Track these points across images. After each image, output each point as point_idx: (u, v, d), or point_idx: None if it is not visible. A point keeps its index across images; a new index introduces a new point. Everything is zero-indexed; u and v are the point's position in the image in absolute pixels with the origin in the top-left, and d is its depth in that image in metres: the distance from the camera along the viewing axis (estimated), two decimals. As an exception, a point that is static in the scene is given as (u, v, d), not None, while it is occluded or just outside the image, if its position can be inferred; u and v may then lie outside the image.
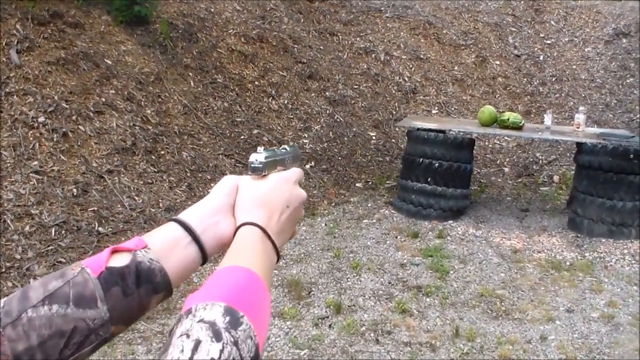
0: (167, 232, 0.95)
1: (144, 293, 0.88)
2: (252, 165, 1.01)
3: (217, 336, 0.68)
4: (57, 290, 0.82)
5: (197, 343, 0.66)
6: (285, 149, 1.11)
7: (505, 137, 9.49)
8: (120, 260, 0.87)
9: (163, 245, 0.92)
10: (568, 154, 9.09)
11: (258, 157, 1.01)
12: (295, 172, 1.07)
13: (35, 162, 5.82)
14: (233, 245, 0.91)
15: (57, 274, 0.84)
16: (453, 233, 6.73)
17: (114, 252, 0.89)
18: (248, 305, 0.75)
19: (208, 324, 0.69)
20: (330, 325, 4.71)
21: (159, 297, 0.90)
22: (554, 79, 11.05)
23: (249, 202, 0.99)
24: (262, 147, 1.04)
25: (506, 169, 9.16)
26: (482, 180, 8.73)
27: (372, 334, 4.59)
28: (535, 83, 10.95)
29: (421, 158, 7.05)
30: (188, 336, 0.67)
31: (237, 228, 0.95)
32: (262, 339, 0.76)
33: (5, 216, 5.28)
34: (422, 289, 5.38)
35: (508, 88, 10.79)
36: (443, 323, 4.80)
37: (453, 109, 10.21)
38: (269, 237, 0.94)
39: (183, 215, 0.98)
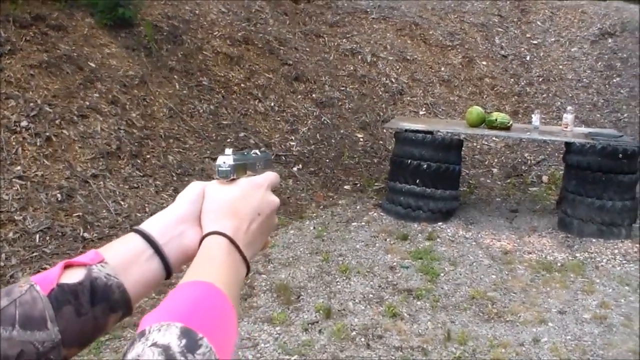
0: (127, 244, 0.87)
1: (100, 312, 0.80)
2: (220, 168, 0.92)
3: None
4: (2, 310, 0.73)
5: None
6: (256, 153, 1.01)
7: (494, 138, 9.46)
8: (74, 276, 0.79)
9: (122, 259, 0.84)
10: (557, 154, 9.08)
11: (226, 159, 0.92)
12: (267, 177, 0.97)
13: (19, 167, 5.72)
14: (196, 257, 0.83)
15: (3, 291, 0.76)
16: (443, 235, 6.67)
17: (67, 267, 0.80)
18: (209, 325, 0.67)
19: (161, 349, 0.61)
20: (320, 330, 4.63)
21: (116, 316, 0.82)
22: (540, 79, 11.04)
23: (216, 210, 0.90)
24: (231, 149, 0.95)
25: (495, 170, 9.12)
26: (471, 181, 8.69)
27: (362, 339, 4.52)
28: (523, 83, 10.94)
29: (409, 159, 7.00)
30: None
31: (202, 238, 0.86)
32: (226, 358, 0.67)
33: (-13, 223, 5.19)
34: (412, 292, 5.32)
35: (495, 88, 10.77)
36: (434, 326, 4.74)
37: (440, 109, 10.17)
38: (237, 247, 0.86)
39: (145, 225, 0.90)
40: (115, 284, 0.82)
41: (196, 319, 0.67)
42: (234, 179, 0.93)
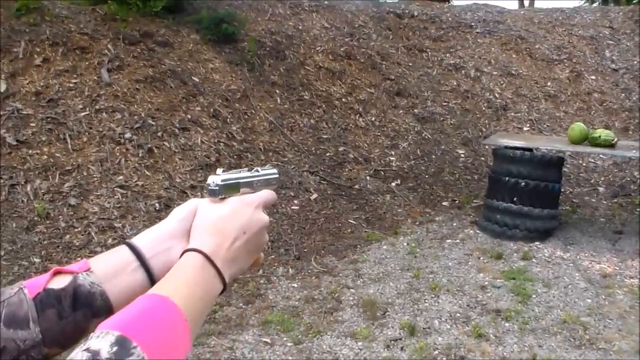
0: (116, 255, 0.93)
1: (81, 317, 0.86)
2: (209, 187, 0.96)
3: None
4: None
5: None
6: (258, 170, 1.04)
7: (601, 155, 9.12)
8: (60, 282, 0.86)
9: (107, 269, 0.90)
10: (670, 174, 8.67)
11: (215, 179, 0.96)
12: (259, 196, 1.00)
13: (121, 177, 6.02)
14: (169, 271, 0.87)
15: None
16: (539, 255, 6.49)
17: (57, 273, 0.87)
18: (147, 336, 0.71)
19: (91, 354, 0.66)
20: (402, 348, 4.61)
21: (98, 322, 0.83)
22: (655, 94, 10.56)
23: (201, 228, 0.94)
24: (222, 169, 0.99)
25: (601, 189, 8.79)
26: (574, 200, 8.41)
27: (444, 358, 4.46)
28: (634, 98, 10.49)
29: (507, 177, 6.86)
30: None
31: (182, 254, 0.90)
32: None
33: (90, 228, 5.47)
34: (501, 312, 5.20)
35: (604, 104, 10.38)
36: (520, 350, 4.62)
37: (545, 126, 9.91)
38: (214, 265, 0.89)
39: (136, 239, 0.95)
40: (99, 292, 0.88)
41: (135, 328, 0.71)
42: (224, 198, 0.96)
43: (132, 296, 0.87)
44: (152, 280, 0.93)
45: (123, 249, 0.94)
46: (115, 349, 0.67)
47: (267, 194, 1.02)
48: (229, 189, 0.97)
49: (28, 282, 0.86)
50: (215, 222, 0.94)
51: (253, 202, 0.98)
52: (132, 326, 0.72)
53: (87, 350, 0.67)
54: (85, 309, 0.86)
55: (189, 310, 0.80)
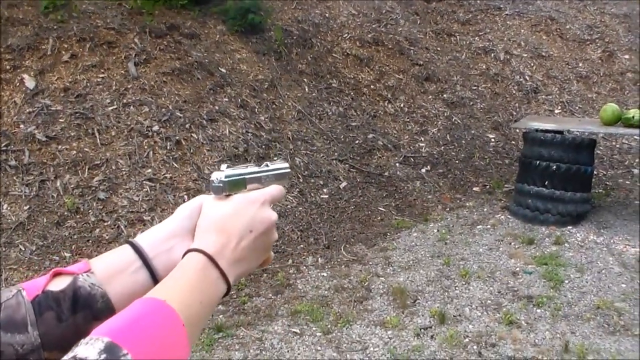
0: (118, 255, 0.91)
1: (81, 319, 0.84)
2: (213, 184, 0.93)
3: None
4: None
5: None
6: (267, 165, 1.01)
7: (635, 137, 8.94)
8: (59, 284, 0.84)
9: (109, 269, 0.88)
10: None
11: (219, 175, 0.92)
12: (266, 193, 0.97)
13: (149, 170, 6.06)
14: (170, 273, 0.84)
15: None
16: (571, 239, 6.39)
17: (56, 274, 0.85)
18: (139, 342, 0.69)
19: None
20: (432, 336, 4.58)
21: (100, 324, 0.82)
22: (691, 72, 10.33)
23: (205, 226, 0.91)
24: (226, 165, 0.95)
25: (635, 170, 8.62)
26: (607, 183, 8.27)
27: (475, 347, 4.43)
28: (669, 77, 10.28)
29: (538, 160, 6.75)
30: None
31: (185, 254, 0.88)
32: None
33: (119, 222, 5.52)
34: (533, 299, 5.14)
35: (638, 84, 10.18)
36: (552, 337, 4.56)
37: (577, 107, 9.75)
38: (217, 266, 0.86)
39: (139, 238, 0.93)
40: (99, 294, 0.85)
41: (126, 335, 0.69)
42: (229, 195, 0.93)
43: (134, 297, 0.85)
44: (155, 280, 0.90)
45: (126, 249, 0.91)
46: (103, 356, 0.66)
47: (274, 190, 0.99)
48: (234, 185, 0.94)
49: (27, 284, 0.84)
50: (220, 220, 0.91)
51: (259, 199, 0.95)
52: (123, 332, 0.70)
53: (74, 357, 0.65)
54: (85, 311, 0.84)
55: (187, 315, 0.77)
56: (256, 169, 0.99)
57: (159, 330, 0.73)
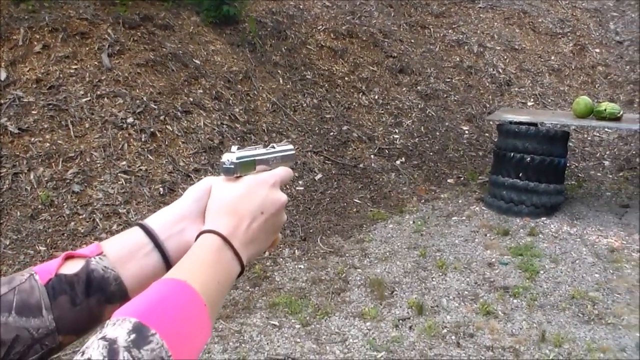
0: (129, 237, 0.90)
1: (94, 303, 0.83)
2: (224, 165, 0.92)
3: (112, 355, 0.63)
4: (2, 297, 0.77)
5: None
6: (274, 147, 1.02)
7: (606, 129, 9.06)
8: (72, 268, 0.83)
9: (121, 252, 0.87)
10: (676, 146, 8.61)
11: (230, 157, 0.92)
12: (275, 174, 0.97)
13: (124, 162, 6.00)
14: (186, 254, 0.84)
15: (6, 279, 0.80)
16: (545, 231, 6.46)
17: (68, 258, 0.84)
18: (166, 322, 0.69)
19: (108, 342, 0.64)
20: (410, 327, 4.61)
21: (113, 307, 0.81)
22: (660, 66, 10.47)
23: (216, 208, 0.91)
24: (236, 147, 0.95)
25: (606, 163, 8.74)
26: (579, 175, 8.37)
27: (453, 337, 4.46)
28: (639, 71, 10.41)
29: (512, 152, 6.82)
30: (83, 353, 0.63)
31: (197, 236, 0.87)
32: (184, 357, 0.69)
33: (94, 215, 5.46)
34: (509, 289, 5.19)
35: (609, 77, 10.31)
36: (529, 326, 4.61)
37: (549, 100, 9.85)
38: (231, 246, 0.86)
39: (149, 220, 0.92)
40: (113, 277, 0.85)
41: (153, 315, 0.69)
42: (239, 177, 0.93)
43: (147, 280, 0.85)
44: (167, 262, 0.90)
45: (136, 231, 0.90)
46: (133, 336, 0.65)
47: (283, 171, 0.99)
48: (245, 167, 0.94)
49: (38, 268, 0.83)
50: (231, 202, 0.91)
51: (267, 180, 0.95)
52: (150, 312, 0.69)
53: (104, 338, 0.65)
54: (99, 294, 0.83)
55: (207, 295, 0.78)
56: (264, 150, 0.99)
57: (184, 311, 0.73)
